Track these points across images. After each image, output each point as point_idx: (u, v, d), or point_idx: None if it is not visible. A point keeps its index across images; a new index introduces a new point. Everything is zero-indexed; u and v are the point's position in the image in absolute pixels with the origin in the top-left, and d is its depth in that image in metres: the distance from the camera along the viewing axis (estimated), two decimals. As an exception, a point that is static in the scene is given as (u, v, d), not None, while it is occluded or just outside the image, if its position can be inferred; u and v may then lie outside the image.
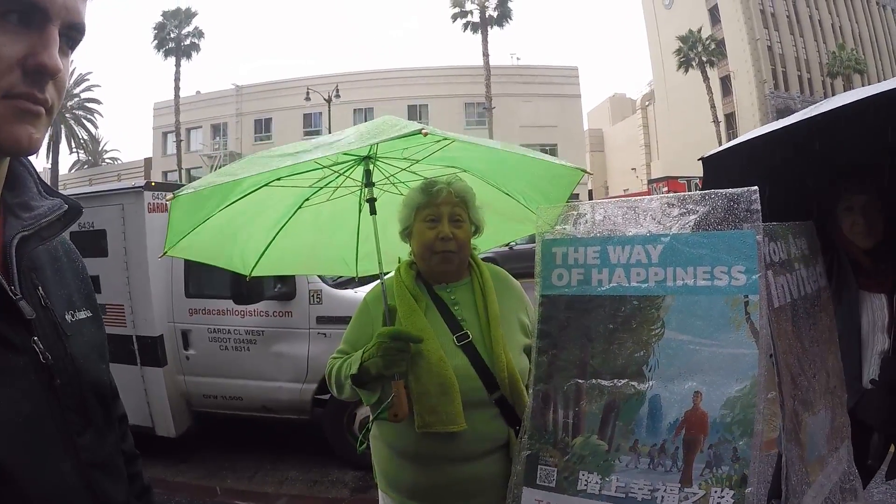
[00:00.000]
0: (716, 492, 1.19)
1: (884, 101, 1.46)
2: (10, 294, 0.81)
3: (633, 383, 1.30)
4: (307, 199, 2.39)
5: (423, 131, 1.60)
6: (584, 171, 2.23)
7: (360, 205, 2.45)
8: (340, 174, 2.25)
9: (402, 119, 1.81)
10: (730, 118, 44.59)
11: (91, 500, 0.88)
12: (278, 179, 2.20)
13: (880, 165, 2.08)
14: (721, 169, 2.20)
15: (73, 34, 0.80)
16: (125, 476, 1.02)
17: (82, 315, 0.99)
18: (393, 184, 2.40)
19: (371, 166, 2.16)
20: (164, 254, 2.22)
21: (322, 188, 2.33)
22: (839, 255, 2.17)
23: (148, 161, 45.36)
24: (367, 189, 2.12)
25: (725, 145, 2.22)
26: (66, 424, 0.86)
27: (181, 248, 2.22)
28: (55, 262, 0.99)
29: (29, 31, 0.73)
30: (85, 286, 1.06)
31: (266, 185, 2.19)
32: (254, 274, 2.51)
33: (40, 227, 0.89)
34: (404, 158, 2.23)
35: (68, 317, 0.95)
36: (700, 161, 2.24)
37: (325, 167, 2.16)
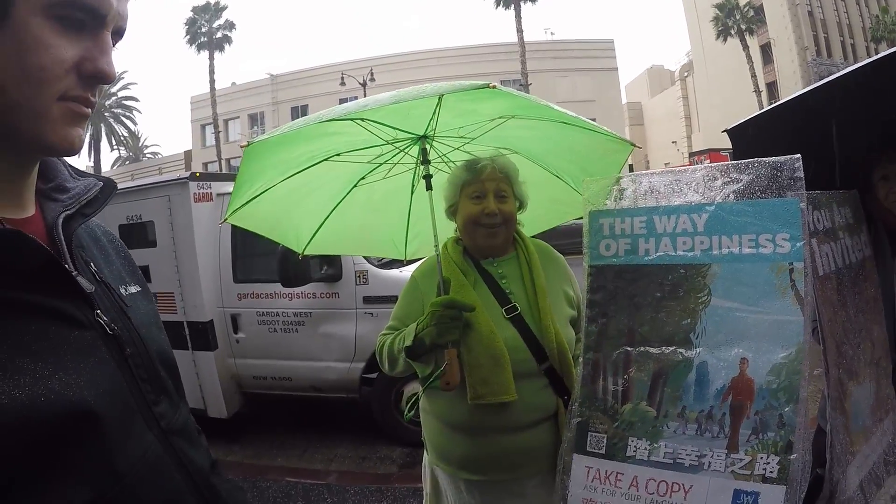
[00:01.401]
0: (762, 458, 1.21)
1: None
2: (67, 270, 0.80)
3: (680, 350, 1.33)
4: (363, 178, 2.41)
5: (491, 84, 1.61)
6: (633, 145, 2.24)
7: (414, 185, 2.48)
8: (399, 150, 2.27)
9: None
10: (771, 87, 43.16)
11: (178, 466, 0.89)
12: (338, 154, 2.22)
13: None
14: (749, 139, 2.19)
15: (114, 38, 0.81)
16: (202, 444, 1.03)
17: (133, 289, 1.01)
18: (446, 163, 2.41)
19: (427, 145, 2.18)
20: (225, 220, 2.25)
21: (380, 165, 2.35)
22: (876, 225, 2.13)
23: (188, 154, 46.10)
24: (422, 166, 2.14)
25: (749, 116, 2.20)
26: (143, 395, 0.86)
27: (241, 217, 2.24)
28: (97, 242, 1.01)
29: (83, 35, 0.74)
30: (129, 263, 1.08)
31: (326, 159, 2.21)
32: (306, 252, 2.54)
33: (81, 204, 0.90)
34: (459, 137, 2.25)
35: (122, 290, 0.96)
36: (726, 133, 2.23)
37: (385, 142, 2.17)
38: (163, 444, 0.87)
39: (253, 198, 2.18)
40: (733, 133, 2.26)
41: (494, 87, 1.61)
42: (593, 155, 2.30)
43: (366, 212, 2.53)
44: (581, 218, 1.58)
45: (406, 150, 2.28)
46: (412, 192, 2.51)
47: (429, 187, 2.09)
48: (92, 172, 1.00)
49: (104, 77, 0.75)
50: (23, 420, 0.66)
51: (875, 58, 1.61)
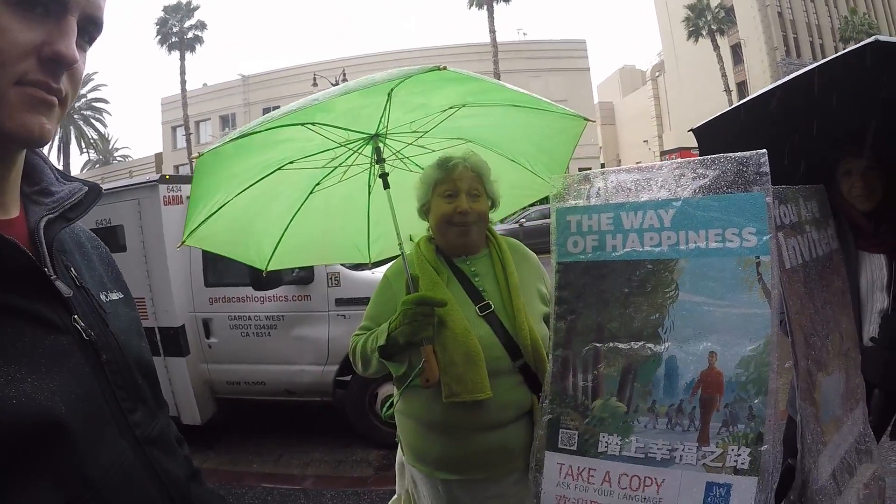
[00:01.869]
0: (732, 450, 1.22)
1: (870, 56, 1.48)
2: (46, 273, 0.80)
3: (649, 345, 1.33)
4: (318, 184, 2.39)
5: (442, 66, 1.61)
6: (586, 119, 2.26)
7: (370, 186, 2.47)
8: (353, 152, 2.26)
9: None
10: (741, 86, 43.88)
11: (152, 477, 0.88)
12: (291, 162, 2.20)
13: (876, 127, 2.08)
14: (715, 138, 2.22)
15: (90, 29, 0.79)
16: (181, 453, 1.03)
17: (115, 296, 1.00)
18: (401, 159, 2.41)
19: (380, 143, 2.18)
20: (182, 243, 2.22)
21: (335, 168, 2.34)
22: (839, 219, 2.18)
23: (159, 156, 45.53)
24: (377, 165, 2.14)
25: (713, 116, 2.24)
26: (118, 402, 0.86)
27: (199, 238, 2.21)
28: (80, 247, 1.00)
29: (46, 20, 0.72)
30: (112, 269, 1.07)
31: (280, 168, 2.19)
32: (270, 268, 2.51)
33: (64, 209, 0.89)
34: (413, 132, 2.25)
35: (102, 297, 0.95)
36: (691, 131, 2.26)
37: (338, 144, 2.16)
38: (136, 452, 0.86)
39: (209, 216, 2.15)
40: (699, 132, 2.29)
41: (444, 68, 1.62)
42: (548, 132, 2.32)
43: (325, 218, 2.51)
44: (543, 202, 1.57)
45: (359, 151, 2.28)
46: (369, 193, 2.50)
47: (386, 186, 2.10)
48: (77, 177, 0.99)
49: (62, 59, 0.72)
50: None
51: (838, 54, 1.64)
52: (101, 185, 0.99)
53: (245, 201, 2.22)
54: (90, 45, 0.82)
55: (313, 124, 1.97)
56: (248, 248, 2.46)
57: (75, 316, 0.82)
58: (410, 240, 2.12)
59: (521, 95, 2.01)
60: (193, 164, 1.93)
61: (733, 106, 2.19)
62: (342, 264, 4.82)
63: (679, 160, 1.39)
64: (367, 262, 2.73)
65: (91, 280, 0.95)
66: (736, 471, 1.21)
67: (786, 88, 1.90)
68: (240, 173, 2.12)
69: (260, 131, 1.85)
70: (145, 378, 0.95)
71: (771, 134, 1.96)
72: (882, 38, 1.51)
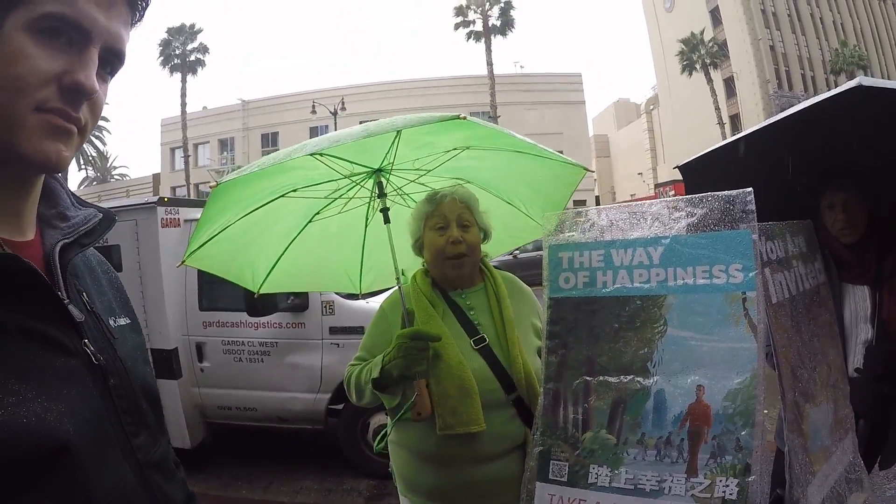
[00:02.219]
0: (720, 481, 1.23)
1: (853, 98, 1.53)
2: (60, 297, 0.82)
3: (638, 379, 1.35)
4: (318, 213, 2.42)
5: (462, 116, 1.64)
6: (586, 169, 2.29)
7: (368, 218, 2.49)
8: (355, 184, 2.29)
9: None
10: (734, 119, 44.47)
11: (151, 500, 0.89)
12: (294, 190, 2.23)
13: (858, 163, 2.13)
14: (701, 175, 2.26)
15: (112, 60, 0.82)
16: (180, 477, 1.04)
17: (122, 321, 1.01)
18: (401, 195, 2.44)
19: (383, 178, 2.21)
20: (182, 263, 2.23)
21: (335, 199, 2.37)
22: (823, 253, 2.22)
23: (156, 177, 45.65)
24: (379, 200, 2.16)
25: (699, 154, 2.29)
26: (122, 426, 0.87)
27: (198, 258, 2.23)
28: (91, 272, 1.01)
29: (69, 50, 0.74)
30: (121, 294, 1.08)
31: (282, 195, 2.22)
32: (262, 291, 2.52)
33: (79, 234, 0.91)
34: (415, 170, 2.28)
35: (111, 322, 0.96)
36: (677, 168, 2.30)
37: (342, 176, 2.19)
38: (138, 476, 0.87)
39: (210, 238, 2.17)
40: (685, 169, 2.34)
41: (465, 118, 1.65)
42: (546, 178, 2.35)
43: (320, 246, 2.53)
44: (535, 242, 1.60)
45: (361, 184, 2.31)
46: (366, 225, 2.52)
47: (386, 220, 2.12)
48: (92, 203, 1.01)
49: (81, 88, 0.75)
50: (1, 441, 0.66)
51: (822, 97, 1.69)
52: (114, 214, 1.02)
53: (245, 225, 2.24)
54: (112, 76, 0.84)
55: (321, 154, 2.00)
56: (243, 270, 2.47)
57: (86, 340, 0.84)
58: (403, 274, 2.13)
59: (525, 143, 2.04)
60: (210, 177, 1.96)
61: (719, 144, 2.24)
62: (337, 293, 4.82)
63: (667, 199, 1.42)
64: (358, 292, 2.74)
65: (101, 305, 0.96)
66: (724, 501, 1.22)
67: (771, 129, 1.95)
68: (244, 198, 2.14)
69: (279, 162, 1.88)
70: (149, 403, 0.97)
71: (756, 171, 2.01)
72: (866, 81, 1.56)
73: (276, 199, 2.22)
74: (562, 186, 2.38)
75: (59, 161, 0.76)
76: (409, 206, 2.40)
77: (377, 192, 2.18)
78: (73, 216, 0.93)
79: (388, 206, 2.18)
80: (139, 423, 0.91)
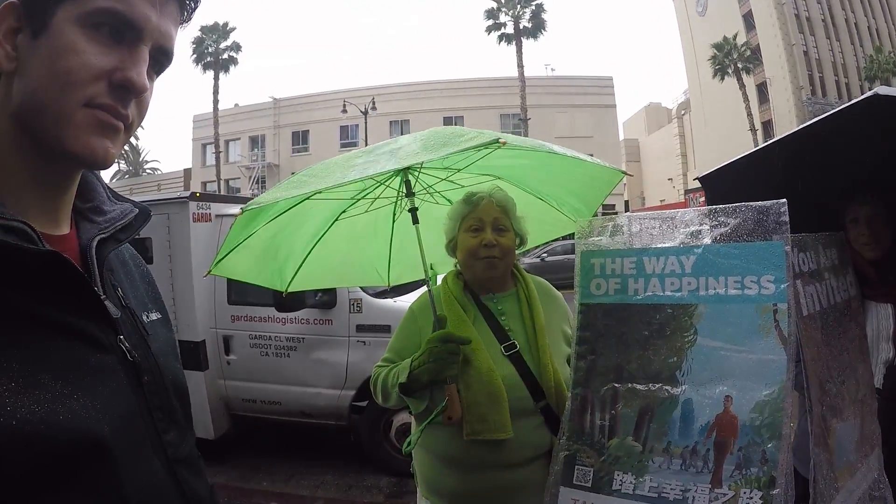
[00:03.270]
0: (745, 493, 1.22)
1: (873, 108, 1.50)
2: (98, 293, 0.80)
3: (666, 388, 1.36)
4: (344, 211, 2.43)
5: (501, 141, 1.62)
6: (623, 173, 2.28)
7: (395, 215, 2.50)
8: (381, 184, 2.30)
9: (469, 129, 1.83)
10: (767, 126, 43.66)
11: (180, 496, 0.89)
12: (319, 192, 2.20)
13: (883, 178, 2.09)
14: (722, 187, 2.23)
15: (161, 58, 0.82)
16: (205, 472, 1.03)
17: (154, 316, 1.00)
18: (430, 194, 2.44)
19: (411, 176, 2.20)
20: (209, 272, 2.26)
21: (361, 199, 2.37)
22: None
23: (187, 172, 46.14)
24: (407, 199, 2.15)
25: (721, 164, 2.26)
26: (154, 422, 0.86)
27: (224, 267, 2.25)
28: (124, 266, 1.00)
29: (120, 47, 0.75)
30: (152, 289, 1.07)
31: (308, 198, 2.22)
32: (290, 289, 2.54)
33: (115, 229, 0.90)
34: (445, 168, 2.28)
35: (144, 317, 0.95)
36: (698, 180, 2.27)
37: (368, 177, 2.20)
38: (168, 472, 0.87)
39: (236, 246, 2.20)
40: (706, 180, 2.31)
41: (504, 143, 1.63)
42: (581, 179, 2.35)
43: (347, 243, 2.54)
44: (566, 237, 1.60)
45: (387, 184, 2.31)
46: (393, 222, 2.52)
47: (415, 220, 2.10)
48: (128, 198, 1.01)
49: (132, 86, 0.75)
50: (39, 437, 0.66)
51: (841, 107, 1.67)
52: (149, 209, 1.01)
53: (272, 230, 2.26)
54: (158, 74, 0.85)
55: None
56: (272, 273, 2.49)
57: (121, 337, 0.83)
58: (432, 268, 2.12)
59: (562, 152, 1.99)
60: (239, 173, 1.98)
61: (741, 156, 2.21)
62: (365, 291, 4.86)
63: (700, 208, 1.42)
64: (386, 284, 2.76)
65: (135, 300, 0.96)
66: (748, 514, 1.22)
67: (791, 140, 1.92)
68: (269, 208, 2.17)
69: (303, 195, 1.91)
70: (179, 399, 0.96)
71: (778, 183, 1.99)
72: (882, 91, 1.54)
73: (302, 202, 2.23)
74: (597, 188, 2.37)
75: (105, 158, 0.77)
76: (438, 204, 2.41)
77: (405, 191, 2.16)
78: (109, 210, 0.93)
79: (416, 205, 2.15)
80: (170, 419, 0.91)
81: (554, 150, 1.89)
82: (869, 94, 1.51)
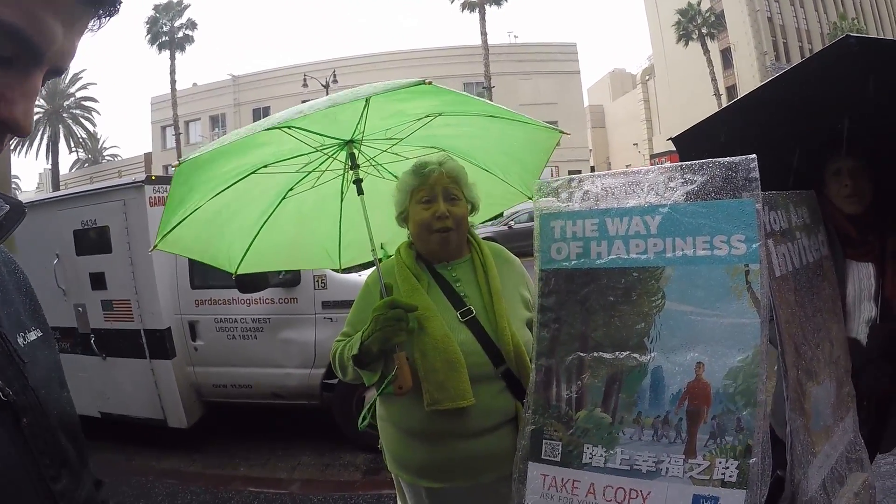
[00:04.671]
0: (720, 462, 1.19)
1: (845, 53, 1.46)
2: None
3: (634, 355, 1.30)
4: (291, 189, 2.38)
5: (427, 80, 1.60)
6: (560, 132, 2.27)
7: (343, 192, 2.45)
8: (327, 157, 2.25)
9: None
10: (731, 91, 44.11)
11: None
12: (265, 166, 2.19)
13: (864, 126, 2.06)
14: (696, 147, 2.20)
15: (49, 75, 0.61)
16: None
17: (33, 336, 0.83)
18: (374, 166, 2.40)
19: (355, 149, 2.17)
20: (154, 248, 2.19)
21: (308, 174, 2.33)
22: (826, 227, 2.15)
23: (148, 156, 45.38)
24: (351, 171, 2.13)
25: (693, 124, 2.21)
26: (40, 471, 0.73)
27: (170, 242, 2.19)
28: None
29: (9, 70, 0.55)
30: (31, 301, 0.88)
31: (253, 172, 2.18)
32: (239, 271, 2.48)
33: None
34: (387, 139, 2.24)
35: (20, 340, 0.79)
36: (671, 141, 2.23)
37: (313, 149, 2.15)
38: None
39: (181, 221, 2.13)
40: (679, 140, 2.26)
41: (430, 83, 1.62)
42: (522, 143, 2.34)
43: (297, 224, 2.50)
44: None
45: (334, 156, 2.26)
46: (342, 199, 2.48)
47: (360, 192, 2.08)
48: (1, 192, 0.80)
49: (16, 128, 0.57)
50: None
51: (812, 55, 1.63)
52: (24, 204, 0.80)
53: (217, 206, 2.20)
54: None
55: (289, 128, 1.96)
56: (219, 251, 2.44)
57: None
58: (382, 248, 2.11)
59: (496, 108, 2.02)
60: (172, 171, 1.92)
61: (714, 112, 2.17)
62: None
63: (667, 164, 1.36)
64: (338, 268, 2.72)
65: (7, 319, 0.79)
66: (724, 484, 1.18)
67: (765, 93, 1.88)
68: (213, 178, 2.10)
69: (245, 137, 1.84)
70: (69, 437, 0.82)
71: (754, 139, 1.94)
72: (853, 35, 1.49)
73: (247, 176, 2.18)
74: (538, 152, 2.36)
75: None
76: (383, 178, 2.38)
77: (350, 163, 2.14)
78: None
79: (361, 177, 2.14)
80: (59, 463, 0.77)
81: (485, 101, 1.94)
82: (840, 37, 1.46)
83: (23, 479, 0.70)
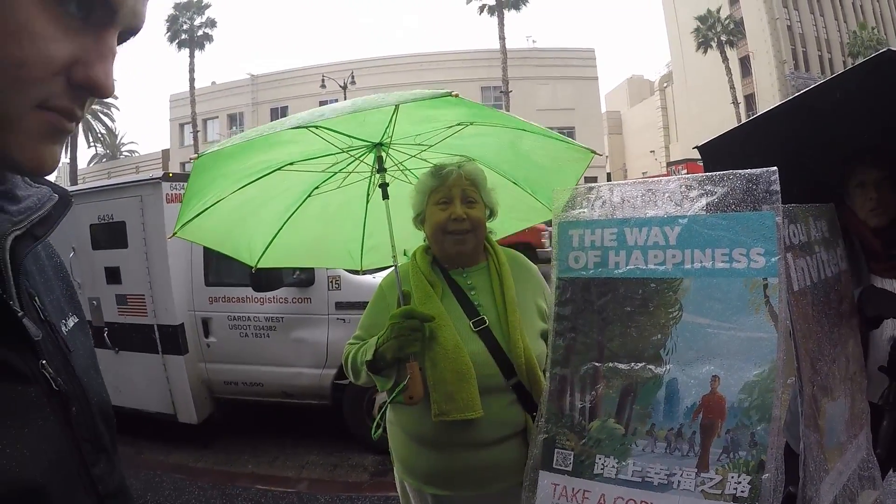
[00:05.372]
0: (732, 477, 1.17)
1: (883, 68, 1.44)
2: (15, 311, 0.66)
3: (650, 367, 1.29)
4: (317, 188, 2.37)
5: (454, 93, 1.59)
6: (593, 152, 2.23)
7: (369, 195, 2.45)
8: (354, 159, 2.24)
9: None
10: (749, 99, 43.87)
11: None
12: (291, 164, 2.18)
13: (888, 144, 2.03)
14: (721, 156, 2.18)
15: (125, 37, 0.64)
16: (134, 500, 0.91)
17: (72, 322, 0.84)
18: (402, 171, 2.39)
19: (383, 153, 2.15)
20: (174, 234, 2.18)
21: (334, 175, 2.32)
22: (850, 239, 2.11)
23: (165, 153, 45.69)
24: (378, 175, 2.11)
25: (719, 133, 2.20)
26: (83, 456, 0.74)
27: (190, 231, 2.18)
28: (37, 263, 0.83)
29: (83, 29, 0.57)
30: (67, 285, 0.90)
31: (279, 168, 2.17)
32: (259, 265, 2.48)
33: (31, 223, 0.72)
34: (416, 144, 2.23)
35: (63, 327, 0.80)
36: (697, 149, 2.21)
37: (340, 150, 2.14)
38: None
39: (203, 210, 2.13)
40: (704, 149, 2.24)
41: (457, 95, 1.60)
42: (553, 160, 2.30)
43: (320, 223, 2.49)
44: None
45: (361, 159, 2.25)
46: (367, 202, 2.48)
47: (385, 196, 2.06)
48: (46, 180, 0.81)
49: (97, 89, 0.59)
50: None
51: (849, 68, 1.61)
52: (70, 194, 0.82)
53: (241, 199, 2.20)
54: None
55: (317, 127, 1.95)
56: (240, 243, 2.44)
57: (43, 361, 0.68)
58: (405, 254, 2.09)
59: (528, 123, 1.99)
60: (191, 165, 1.92)
61: (741, 123, 2.14)
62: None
63: (686, 175, 1.34)
64: (359, 269, 2.71)
65: (52, 307, 0.79)
66: (735, 499, 1.16)
67: (795, 105, 1.86)
68: (238, 171, 2.10)
69: (264, 135, 1.84)
70: (105, 423, 0.82)
71: (779, 152, 1.92)
72: (893, 49, 1.47)
73: (272, 172, 2.18)
74: (569, 171, 2.31)
75: (52, 166, 0.62)
76: (409, 182, 2.36)
77: (377, 166, 2.13)
78: (24, 196, 0.74)
79: (387, 181, 2.12)
80: (98, 449, 0.78)
81: (514, 117, 1.91)
82: (881, 51, 1.44)
83: (71, 464, 0.71)
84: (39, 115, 0.57)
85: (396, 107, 1.87)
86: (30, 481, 0.61)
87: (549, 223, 1.89)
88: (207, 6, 39.63)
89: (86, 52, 0.57)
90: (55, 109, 0.58)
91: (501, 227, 2.38)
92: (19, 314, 0.67)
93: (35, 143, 0.59)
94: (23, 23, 0.53)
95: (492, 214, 2.07)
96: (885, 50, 1.47)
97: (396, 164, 2.35)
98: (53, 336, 0.75)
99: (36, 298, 0.75)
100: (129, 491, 0.88)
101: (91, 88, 0.59)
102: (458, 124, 2.08)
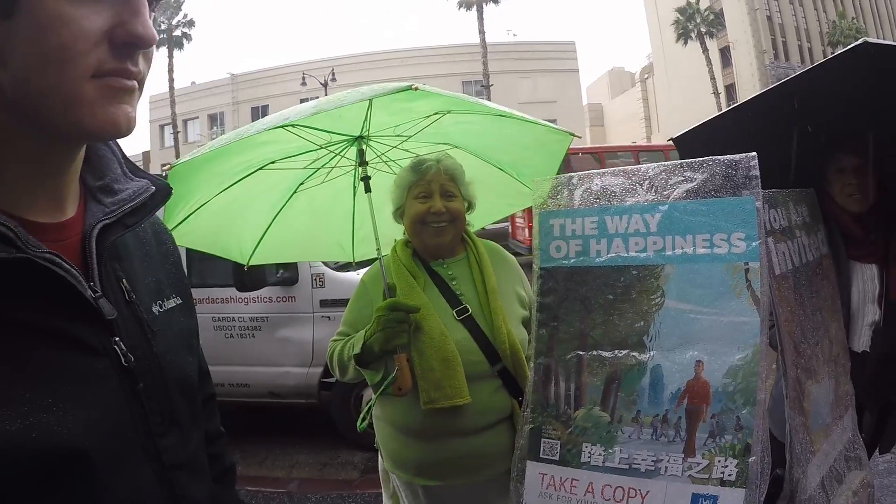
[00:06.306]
0: (719, 461, 1.18)
1: (860, 58, 1.46)
2: (90, 293, 0.73)
3: (633, 354, 1.29)
4: (302, 184, 2.38)
5: (414, 86, 1.60)
6: (572, 135, 2.26)
7: (355, 187, 2.45)
8: (335, 154, 2.24)
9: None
10: (730, 89, 44.20)
11: (171, 502, 0.83)
12: (272, 163, 2.18)
13: (869, 129, 2.05)
14: (697, 147, 2.19)
15: (153, 2, 0.70)
16: (208, 472, 0.97)
17: (171, 304, 0.92)
18: (385, 162, 2.40)
19: (364, 146, 2.16)
20: None
21: (317, 170, 2.32)
22: (829, 225, 2.14)
23: (146, 154, 45.13)
24: (360, 168, 2.12)
25: (695, 125, 2.21)
26: (149, 427, 0.79)
27: (178, 235, 2.13)
28: (143, 247, 0.91)
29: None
30: (175, 270, 0.98)
31: (261, 168, 2.17)
32: (251, 262, 2.49)
33: (123, 213, 0.80)
34: (396, 136, 2.23)
35: (155, 308, 0.87)
36: (671, 141, 2.23)
37: (319, 146, 2.14)
38: (160, 479, 0.80)
39: (188, 215, 2.12)
40: (680, 140, 2.25)
41: (416, 88, 1.61)
42: (534, 144, 2.32)
43: (309, 217, 2.50)
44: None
45: (342, 154, 2.25)
46: (354, 194, 2.48)
47: (367, 189, 2.07)
48: (148, 172, 0.89)
49: (141, 40, 0.65)
50: (10, 455, 0.60)
51: (827, 59, 1.63)
52: (169, 186, 0.90)
53: (226, 199, 2.20)
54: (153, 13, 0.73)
55: (293, 126, 1.95)
56: (229, 243, 2.45)
57: (116, 338, 0.75)
58: (395, 241, 2.10)
59: (506, 111, 2.01)
60: (165, 173, 1.90)
61: (716, 114, 2.16)
62: (327, 265, 4.79)
63: (666, 163, 1.34)
64: (352, 261, 2.72)
65: (146, 290, 0.87)
66: (723, 482, 1.17)
67: (772, 95, 1.87)
68: (219, 173, 2.09)
69: (234, 142, 1.83)
70: (184, 398, 0.88)
71: (756, 141, 1.93)
72: (871, 40, 1.49)
73: (254, 172, 2.18)
74: (550, 154, 2.34)
75: (128, 125, 0.68)
76: (394, 173, 2.35)
77: (359, 160, 2.13)
78: (120, 189, 0.82)
79: (370, 174, 2.13)
80: (170, 421, 0.83)
81: (500, 109, 1.91)
82: (857, 42, 1.46)
83: (132, 433, 0.76)
84: (96, 83, 0.63)
85: (370, 100, 1.87)
86: (76, 441, 0.66)
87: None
88: (182, 2, 39.19)
89: (119, 15, 0.63)
90: (108, 73, 0.64)
91: (489, 212, 2.39)
92: (94, 296, 0.73)
93: (103, 110, 0.65)
94: (53, 13, 0.59)
95: (469, 207, 2.09)
96: (861, 41, 1.49)
97: (379, 156, 2.36)
98: (137, 316, 0.82)
99: (124, 282, 0.82)
100: (203, 465, 0.93)
101: (134, 42, 0.65)
102: (436, 113, 2.09)
